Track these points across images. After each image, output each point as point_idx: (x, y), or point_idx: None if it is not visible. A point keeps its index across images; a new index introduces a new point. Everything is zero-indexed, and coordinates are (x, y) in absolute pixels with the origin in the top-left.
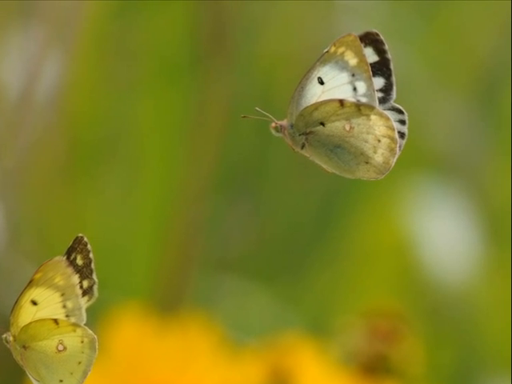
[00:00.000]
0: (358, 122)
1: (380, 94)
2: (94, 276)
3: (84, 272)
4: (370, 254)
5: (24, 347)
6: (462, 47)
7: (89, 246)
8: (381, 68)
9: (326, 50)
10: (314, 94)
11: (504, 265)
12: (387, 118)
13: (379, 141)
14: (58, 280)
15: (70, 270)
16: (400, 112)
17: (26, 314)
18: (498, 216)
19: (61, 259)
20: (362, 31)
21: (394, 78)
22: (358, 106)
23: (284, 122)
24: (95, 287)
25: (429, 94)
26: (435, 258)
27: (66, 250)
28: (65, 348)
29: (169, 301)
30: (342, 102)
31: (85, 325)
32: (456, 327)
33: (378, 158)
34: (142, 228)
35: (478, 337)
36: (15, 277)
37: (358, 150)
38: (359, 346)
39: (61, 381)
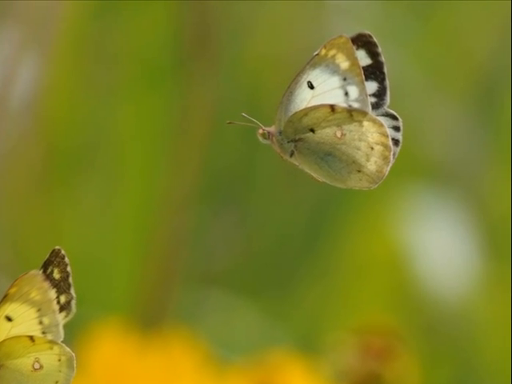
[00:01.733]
0: (350, 129)
1: (373, 99)
2: (72, 291)
3: (61, 286)
4: (362, 267)
5: None
6: (459, 49)
7: (66, 259)
8: (374, 71)
9: (316, 52)
10: (304, 98)
11: (504, 279)
12: (380, 125)
13: (372, 148)
14: (34, 295)
15: (46, 284)
16: (394, 118)
17: (0, 331)
18: (498, 228)
19: (37, 273)
20: (354, 33)
21: (387, 82)
22: (350, 111)
23: (272, 129)
24: (73, 302)
25: (424, 99)
26: (431, 272)
27: (42, 263)
28: (41, 366)
29: (150, 316)
30: (332, 108)
31: (62, 342)
32: (453, 345)
33: (371, 166)
34: (122, 240)
35: (476, 355)
36: None
37: (350, 157)
38: (351, 364)
39: None
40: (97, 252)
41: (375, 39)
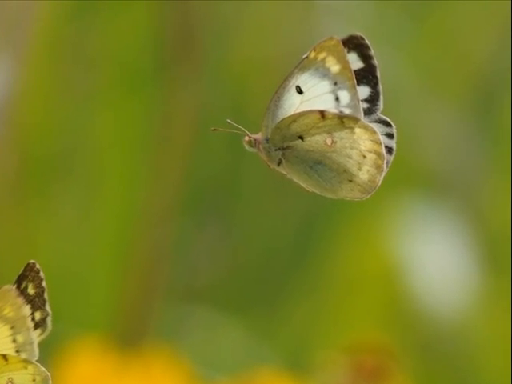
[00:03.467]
0: (341, 136)
1: (365, 105)
2: (48, 307)
3: (36, 302)
4: (354, 282)
5: None
6: (456, 52)
7: (41, 274)
8: (366, 75)
9: (305, 55)
10: (292, 104)
11: (503, 294)
12: (373, 132)
13: (364, 156)
14: (8, 311)
15: (20, 300)
16: (387, 124)
17: None
18: (497, 240)
19: (10, 288)
20: (345, 34)
21: (380, 87)
22: (341, 117)
23: (259, 136)
24: (48, 319)
25: (419, 105)
26: (427, 287)
27: (16, 277)
28: None
29: (130, 334)
30: (322, 114)
31: (37, 361)
32: (449, 363)
33: (363, 175)
34: (100, 253)
35: (474, 374)
36: None
37: (341, 166)
38: None
39: None
40: (74, 266)
41: (367, 41)
